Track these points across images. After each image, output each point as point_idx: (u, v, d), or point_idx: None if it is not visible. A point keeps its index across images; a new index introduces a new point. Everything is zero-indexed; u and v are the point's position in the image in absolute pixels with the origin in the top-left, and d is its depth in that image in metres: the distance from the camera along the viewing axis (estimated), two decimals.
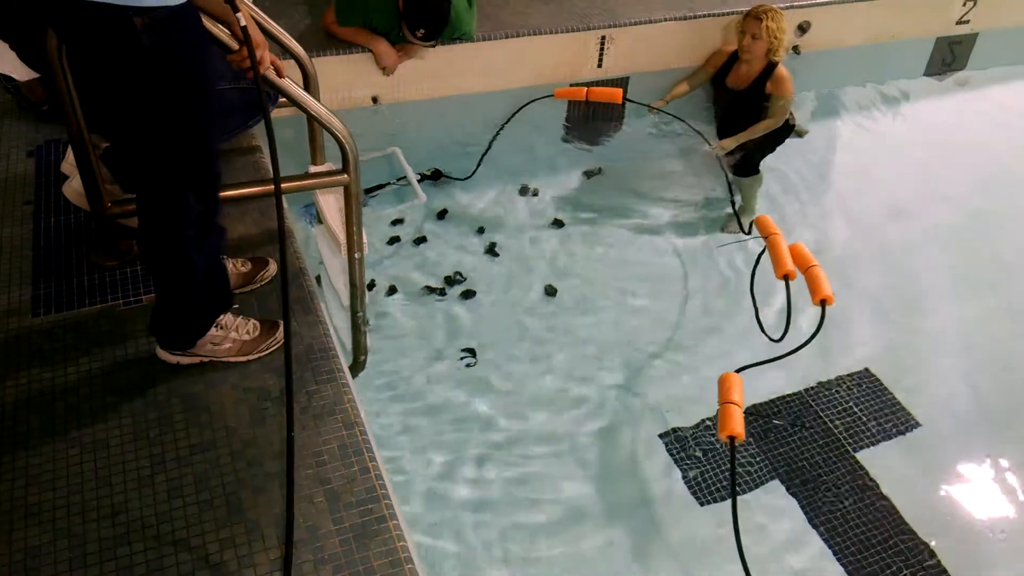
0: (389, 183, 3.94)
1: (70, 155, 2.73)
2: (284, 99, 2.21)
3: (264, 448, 2.06)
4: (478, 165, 4.07)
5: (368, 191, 3.90)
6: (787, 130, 4.16)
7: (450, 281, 3.49)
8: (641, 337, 3.34)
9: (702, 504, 2.75)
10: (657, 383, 3.16)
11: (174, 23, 1.68)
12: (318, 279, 3.03)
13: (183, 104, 1.79)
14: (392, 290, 3.41)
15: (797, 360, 2.91)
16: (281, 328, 2.37)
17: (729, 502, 2.42)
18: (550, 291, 3.49)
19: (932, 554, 2.65)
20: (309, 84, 2.67)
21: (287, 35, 2.55)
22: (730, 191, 4.05)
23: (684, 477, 2.82)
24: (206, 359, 2.24)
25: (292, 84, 2.15)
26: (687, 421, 3.01)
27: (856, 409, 3.13)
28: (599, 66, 4.27)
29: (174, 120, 1.80)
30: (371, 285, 3.40)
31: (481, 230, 3.77)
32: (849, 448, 2.98)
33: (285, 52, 2.58)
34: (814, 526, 2.72)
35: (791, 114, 4.14)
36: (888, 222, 4.13)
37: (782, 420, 3.03)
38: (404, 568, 1.85)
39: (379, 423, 2.86)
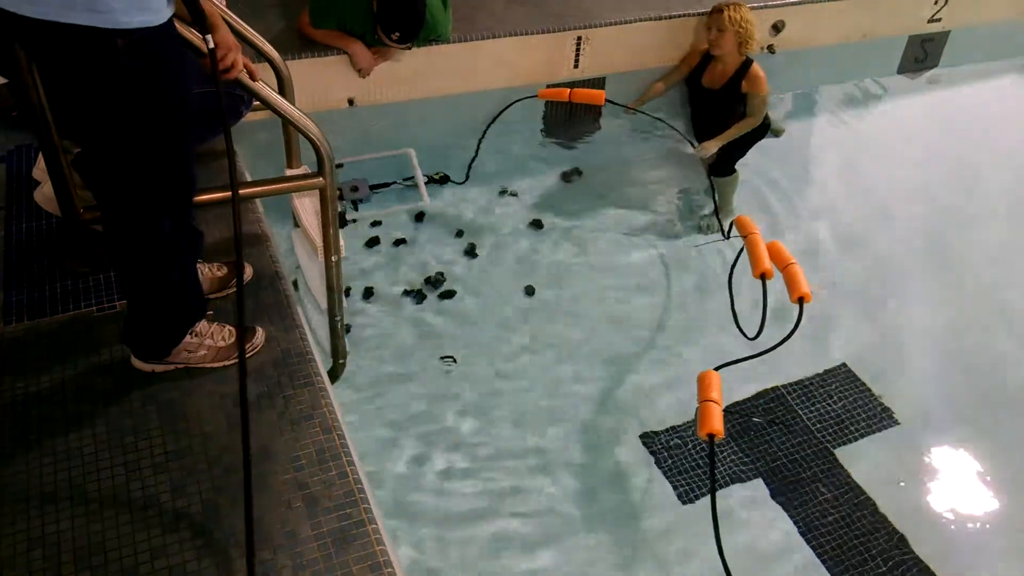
0: (396, 182, 3.96)
1: (41, 161, 2.70)
2: (259, 102, 2.20)
3: (241, 454, 2.04)
4: (469, 168, 4.08)
5: (373, 187, 3.92)
6: (763, 129, 4.19)
7: (430, 283, 3.48)
8: (620, 336, 3.35)
9: (684, 503, 2.76)
10: (636, 382, 3.17)
11: (154, 41, 1.67)
12: (295, 283, 3.02)
13: (160, 120, 1.78)
14: (370, 293, 3.40)
15: (776, 357, 2.93)
16: (259, 333, 2.36)
17: (710, 499, 2.43)
18: (529, 291, 3.50)
19: (910, 549, 2.68)
20: (283, 87, 2.66)
21: (261, 38, 2.54)
22: (713, 191, 4.06)
23: (665, 476, 2.83)
24: (181, 366, 2.22)
25: (266, 87, 2.14)
26: (667, 420, 3.02)
27: (835, 406, 3.15)
28: (575, 67, 4.28)
29: (151, 135, 1.79)
30: (349, 289, 3.38)
31: (460, 232, 3.76)
32: (828, 444, 3.00)
33: (259, 55, 2.57)
34: (794, 522, 2.73)
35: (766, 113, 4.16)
36: (864, 219, 4.17)
37: (761, 418, 3.05)
38: (383, 572, 1.84)
39: (356, 427, 2.84)
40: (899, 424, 3.10)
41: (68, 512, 1.90)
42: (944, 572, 2.63)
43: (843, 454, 2.97)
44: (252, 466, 2.00)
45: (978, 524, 2.82)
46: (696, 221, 4.04)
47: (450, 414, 2.96)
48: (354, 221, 3.77)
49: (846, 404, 3.16)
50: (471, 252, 3.65)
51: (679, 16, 4.34)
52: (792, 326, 2.83)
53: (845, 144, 4.80)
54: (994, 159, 4.77)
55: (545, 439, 2.92)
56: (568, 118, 4.47)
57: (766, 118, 4.16)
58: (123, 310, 2.40)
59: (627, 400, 3.09)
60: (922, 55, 5.41)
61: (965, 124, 5.10)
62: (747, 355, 2.96)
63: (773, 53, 4.70)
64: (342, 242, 2.44)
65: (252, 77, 2.08)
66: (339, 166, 3.92)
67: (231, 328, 2.29)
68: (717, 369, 2.67)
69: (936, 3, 5.16)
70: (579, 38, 4.18)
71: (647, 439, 2.95)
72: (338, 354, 2.70)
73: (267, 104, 2.17)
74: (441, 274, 3.51)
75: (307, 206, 2.71)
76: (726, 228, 3.93)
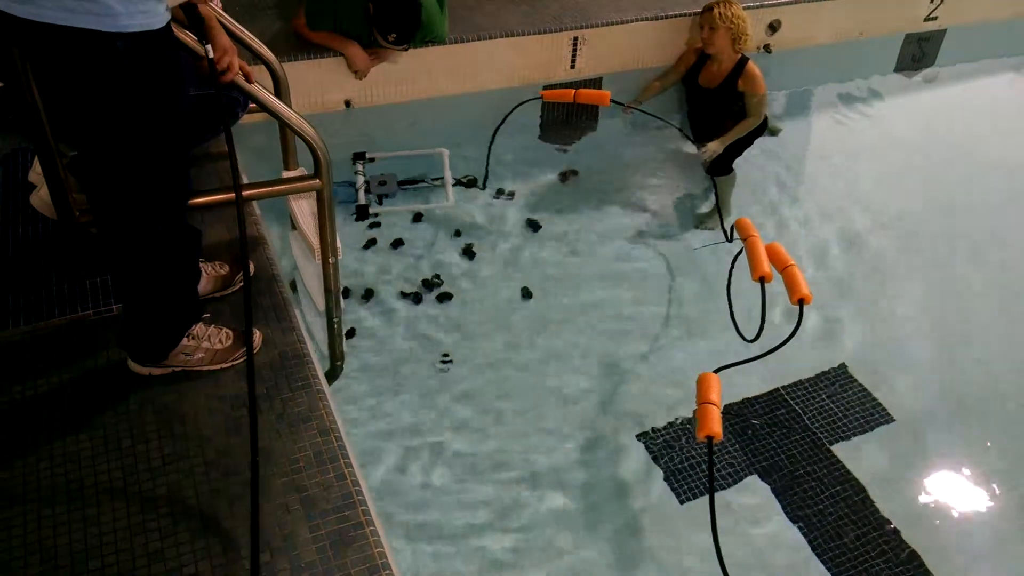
0: (424, 181, 3.97)
1: (37, 164, 2.70)
2: (255, 104, 2.20)
3: (239, 457, 2.04)
4: (486, 175, 4.08)
5: (402, 184, 3.94)
6: (761, 129, 4.19)
7: (427, 284, 3.48)
8: (618, 337, 3.35)
9: (682, 502, 2.76)
10: (634, 383, 3.16)
11: (153, 44, 1.68)
12: (292, 285, 3.02)
13: (157, 122, 1.79)
14: (368, 295, 3.40)
15: (774, 357, 2.93)
16: (257, 335, 2.35)
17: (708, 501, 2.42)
18: (526, 293, 3.49)
19: (907, 545, 2.68)
20: (280, 89, 2.66)
21: (257, 40, 2.54)
22: (715, 189, 4.05)
23: (663, 476, 2.83)
24: (178, 369, 2.22)
25: (262, 90, 2.15)
26: (665, 420, 3.02)
27: (832, 404, 3.15)
28: (572, 67, 4.28)
29: (148, 137, 1.79)
30: (347, 291, 3.38)
31: (458, 233, 3.76)
32: (826, 443, 3.00)
33: (255, 57, 2.57)
34: (792, 520, 2.73)
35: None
36: (861, 219, 4.17)
37: (759, 420, 3.05)
38: (382, 574, 1.84)
39: (354, 430, 2.84)
40: (895, 421, 3.10)
41: (65, 516, 1.90)
42: (941, 569, 2.63)
43: (841, 451, 2.97)
44: (249, 468, 2.00)
45: (975, 521, 2.81)
46: (694, 221, 4.04)
47: (446, 416, 2.96)
48: (375, 215, 3.80)
49: (844, 403, 3.15)
50: (469, 253, 3.65)
51: (676, 16, 4.34)
52: (792, 328, 2.82)
53: (842, 143, 4.80)
54: (991, 157, 4.77)
55: (543, 439, 2.91)
56: (565, 119, 4.47)
57: (764, 117, 4.16)
58: (119, 314, 2.39)
59: (625, 400, 3.09)
60: (919, 54, 5.42)
61: (962, 122, 5.10)
62: (747, 357, 2.95)
63: (770, 52, 4.70)
64: (339, 244, 2.44)
65: (248, 79, 2.08)
66: (371, 160, 3.97)
67: (228, 330, 2.29)
68: (716, 371, 2.67)
69: (932, 2, 5.17)
70: (576, 38, 4.18)
71: (646, 439, 2.95)
72: (335, 356, 2.71)
73: (263, 106, 2.17)
74: (438, 276, 3.51)
75: (304, 208, 2.72)
76: (727, 228, 3.94)
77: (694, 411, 2.52)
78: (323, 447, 2.10)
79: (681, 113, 4.52)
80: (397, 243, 3.66)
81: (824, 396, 3.18)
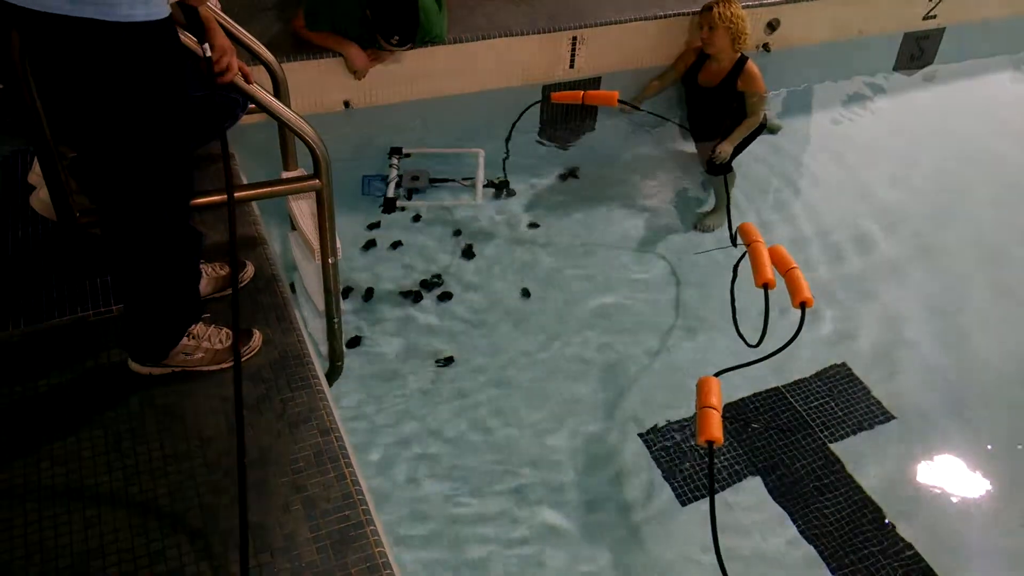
0: (455, 180, 3.99)
1: (37, 165, 2.70)
2: (254, 105, 2.20)
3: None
4: (505, 176, 4.08)
5: (433, 181, 3.97)
6: (760, 127, 4.19)
7: (427, 284, 3.48)
8: (619, 337, 3.35)
9: (683, 504, 2.76)
10: (636, 383, 3.16)
11: (157, 35, 1.68)
12: (292, 286, 3.02)
13: (162, 114, 1.78)
14: (368, 294, 3.40)
15: (776, 356, 2.92)
16: (256, 336, 2.36)
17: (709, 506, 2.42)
18: (525, 294, 3.49)
19: (909, 544, 2.68)
20: (279, 89, 2.66)
21: (256, 41, 2.54)
22: (726, 186, 4.04)
23: (665, 476, 2.83)
24: (178, 369, 2.22)
25: (261, 90, 2.15)
26: (666, 421, 3.02)
27: (833, 403, 3.15)
28: (571, 66, 4.28)
29: (152, 130, 1.79)
30: (347, 291, 3.38)
31: (457, 232, 3.76)
32: (826, 441, 3.00)
33: (254, 58, 2.57)
34: (793, 520, 2.73)
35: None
36: (860, 217, 4.17)
37: (760, 419, 3.04)
38: (383, 574, 1.84)
39: (354, 429, 2.84)
40: (896, 419, 3.10)
41: (66, 517, 1.90)
42: (941, 566, 2.63)
43: (842, 450, 2.97)
44: (250, 469, 2.01)
45: (976, 518, 2.81)
46: (695, 220, 4.04)
47: (446, 415, 2.96)
48: (403, 209, 3.83)
49: (844, 401, 3.15)
50: (468, 253, 3.65)
51: (674, 15, 4.34)
52: (794, 331, 2.82)
53: (840, 141, 4.80)
54: (990, 155, 4.77)
55: (542, 439, 2.91)
56: (564, 119, 4.48)
57: (763, 116, 4.16)
58: (119, 314, 2.40)
59: (626, 400, 3.09)
60: (917, 52, 5.42)
61: (961, 121, 5.10)
62: (747, 361, 2.95)
63: (769, 51, 4.71)
64: (339, 244, 2.44)
65: (247, 80, 2.08)
66: (407, 156, 4.03)
67: (228, 331, 2.29)
68: (717, 375, 2.66)
69: (931, 0, 5.17)
70: (575, 38, 4.18)
71: (647, 439, 2.95)
72: (335, 356, 2.70)
73: (263, 107, 2.17)
74: (438, 276, 3.51)
75: (304, 209, 2.72)
76: (726, 226, 3.94)
77: (695, 414, 2.51)
78: (323, 447, 2.10)
79: (680, 112, 4.52)
80: (397, 243, 3.66)
81: (825, 395, 3.18)
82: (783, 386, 3.19)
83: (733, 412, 3.05)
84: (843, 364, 3.32)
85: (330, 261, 2.43)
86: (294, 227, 2.86)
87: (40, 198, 2.64)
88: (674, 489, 2.79)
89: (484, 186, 3.97)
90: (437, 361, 3.14)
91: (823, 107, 5.08)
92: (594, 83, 4.39)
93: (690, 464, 2.87)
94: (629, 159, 4.40)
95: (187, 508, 1.93)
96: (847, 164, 4.58)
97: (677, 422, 3.02)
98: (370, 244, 3.65)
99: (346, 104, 3.86)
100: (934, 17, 5.27)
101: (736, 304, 3.34)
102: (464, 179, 4.00)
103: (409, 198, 3.90)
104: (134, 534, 1.87)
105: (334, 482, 2.02)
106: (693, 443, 2.92)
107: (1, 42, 1.91)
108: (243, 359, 2.28)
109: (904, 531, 2.72)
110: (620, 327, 3.40)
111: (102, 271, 2.54)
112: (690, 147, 4.44)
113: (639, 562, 2.58)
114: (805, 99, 5.13)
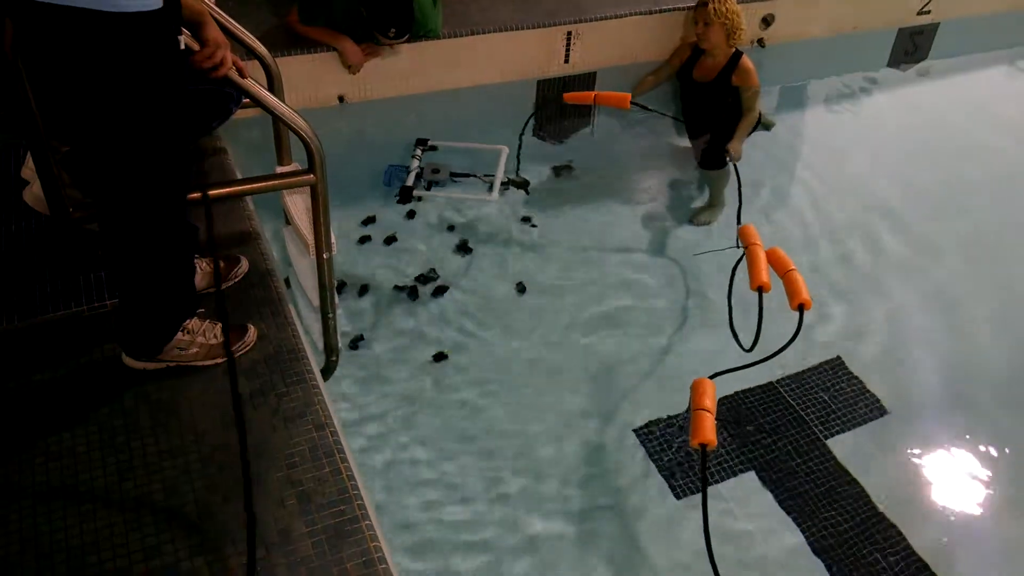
0: (475, 175, 4.00)
1: (30, 160, 2.69)
2: (249, 100, 2.19)
3: (234, 452, 2.03)
4: (518, 174, 4.06)
5: (454, 175, 3.99)
6: (755, 122, 4.20)
7: (422, 279, 3.47)
8: (614, 332, 3.35)
9: (678, 497, 2.77)
10: (631, 378, 3.17)
11: (152, 26, 1.67)
12: (287, 280, 3.01)
13: (158, 105, 1.78)
14: (363, 290, 3.39)
15: (767, 342, 2.92)
16: (251, 331, 2.35)
17: (711, 486, 2.43)
18: (521, 289, 3.49)
19: (902, 537, 2.69)
20: (273, 84, 2.65)
21: (250, 35, 2.53)
22: (738, 185, 4.01)
23: (659, 471, 2.83)
24: (173, 364, 2.22)
25: (256, 84, 2.14)
26: (661, 416, 3.02)
27: (827, 397, 3.16)
28: (566, 61, 4.28)
29: (148, 121, 1.78)
30: (341, 286, 3.38)
31: (451, 228, 3.76)
32: (820, 436, 3.01)
33: (248, 52, 2.56)
34: (787, 514, 2.74)
35: None
36: (854, 212, 4.18)
37: (754, 413, 3.05)
38: (378, 568, 1.84)
39: (348, 424, 2.84)
40: (890, 414, 3.12)
41: (61, 512, 1.89)
42: (935, 560, 2.64)
43: (836, 444, 2.98)
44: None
45: (970, 512, 2.83)
46: (689, 215, 4.04)
47: (442, 409, 2.96)
48: (419, 199, 3.86)
49: (839, 396, 3.16)
50: (464, 248, 3.65)
51: (669, 10, 4.34)
52: (791, 332, 2.81)
53: (835, 137, 4.81)
54: (984, 151, 4.78)
55: (538, 432, 2.92)
56: (559, 115, 4.47)
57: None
58: (113, 309, 2.39)
59: (620, 394, 3.09)
60: (912, 48, 5.43)
61: (955, 116, 5.12)
62: (743, 363, 2.95)
63: (763, 47, 4.71)
64: (334, 239, 2.44)
65: (242, 74, 2.07)
66: (434, 148, 4.06)
67: (222, 325, 2.28)
68: (712, 377, 2.66)
69: None
70: (569, 33, 4.18)
71: (641, 436, 2.95)
72: (330, 351, 2.70)
73: (257, 101, 2.16)
74: (433, 270, 3.51)
75: (298, 203, 2.71)
76: (719, 221, 3.95)
77: (686, 410, 2.51)
78: (318, 442, 2.10)
79: (675, 108, 4.53)
80: (391, 238, 3.66)
81: (819, 389, 3.19)
82: (777, 381, 3.20)
83: (727, 410, 3.06)
84: (837, 358, 3.33)
85: (325, 256, 2.43)
86: (288, 222, 2.86)
87: (33, 192, 2.63)
88: (671, 486, 2.80)
89: (503, 184, 3.97)
90: (433, 357, 3.14)
91: (817, 102, 5.09)
92: (589, 78, 4.39)
93: (685, 457, 2.88)
94: (624, 154, 4.40)
95: (182, 503, 1.93)
96: (840, 159, 4.59)
97: (673, 418, 3.02)
98: (365, 239, 3.64)
99: (340, 99, 3.86)
100: (928, 12, 5.28)
101: (733, 304, 3.34)
102: (485, 175, 4.01)
103: (428, 189, 3.92)
104: (129, 529, 1.87)
105: (329, 477, 2.01)
106: (688, 436, 2.92)
107: None
108: (237, 354, 2.29)
109: (899, 525, 2.73)
110: (616, 322, 3.40)
111: (96, 266, 2.53)
112: (684, 142, 4.44)
113: (634, 553, 2.59)
114: (799, 94, 5.14)
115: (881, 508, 2.78)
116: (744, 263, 3.07)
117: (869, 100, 5.16)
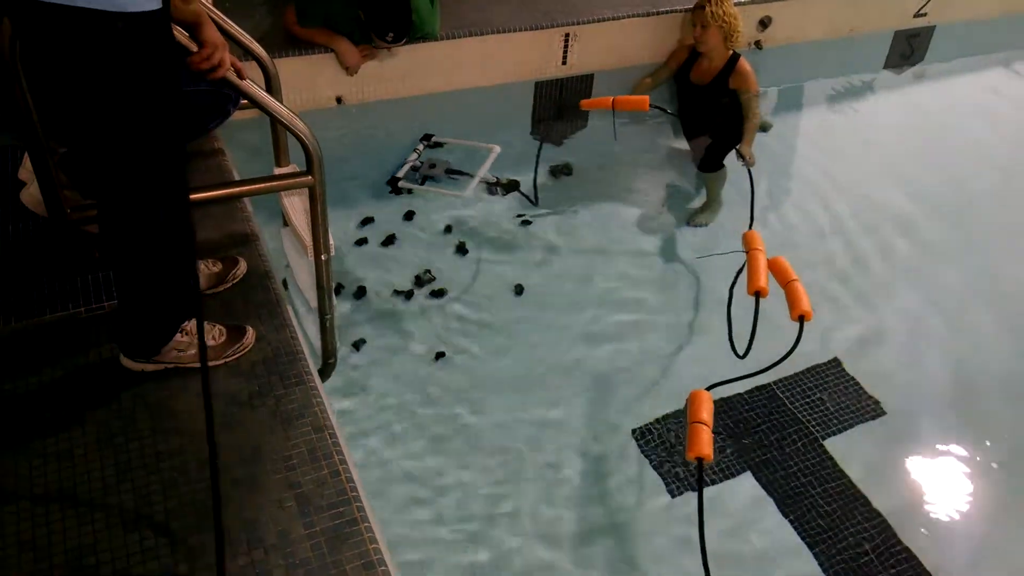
0: (470, 173, 4.01)
1: (27, 161, 2.68)
2: (247, 101, 2.19)
3: (232, 453, 2.04)
4: (536, 191, 4.05)
5: (449, 172, 4.00)
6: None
7: (419, 281, 3.47)
8: (611, 333, 3.35)
9: (673, 496, 2.77)
10: (627, 377, 3.17)
11: (151, 25, 1.67)
12: (284, 282, 3.01)
13: (158, 103, 1.77)
14: (361, 291, 3.39)
15: (767, 355, 2.92)
16: (249, 333, 2.35)
17: (709, 488, 2.43)
18: (518, 290, 3.49)
19: (899, 539, 2.69)
20: (271, 85, 2.65)
21: (248, 36, 2.54)
22: (751, 190, 3.98)
23: (654, 468, 2.84)
24: (171, 366, 2.21)
25: (254, 86, 2.14)
26: (657, 416, 3.03)
27: (824, 399, 3.16)
28: (564, 63, 4.29)
29: (149, 120, 1.78)
30: (338, 287, 3.37)
31: (449, 229, 3.76)
32: (818, 437, 3.01)
33: (246, 53, 2.56)
34: (785, 515, 2.75)
35: None
36: (851, 212, 4.19)
37: (751, 414, 3.04)
38: (377, 571, 1.84)
39: (346, 426, 2.84)
40: (887, 415, 3.12)
41: (59, 514, 1.89)
42: (931, 560, 2.64)
43: (833, 446, 2.98)
44: (243, 465, 2.01)
45: (967, 513, 2.83)
46: (687, 217, 4.04)
47: (439, 411, 2.96)
48: (410, 191, 3.89)
49: (836, 397, 3.17)
50: (461, 250, 3.65)
51: (667, 12, 4.35)
52: (788, 340, 2.81)
53: (831, 138, 4.82)
54: (980, 153, 4.80)
55: (534, 433, 2.92)
56: (557, 116, 4.47)
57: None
58: (112, 310, 2.38)
59: (617, 394, 3.09)
60: (908, 50, 5.44)
61: (951, 119, 5.13)
62: (740, 375, 2.95)
63: (760, 49, 4.72)
64: (331, 240, 2.44)
65: (240, 75, 2.07)
66: (440, 145, 4.08)
67: (221, 327, 2.28)
68: (709, 388, 2.65)
69: None
70: (567, 35, 4.19)
71: (638, 438, 2.95)
72: (328, 353, 2.70)
73: (255, 103, 2.16)
74: (429, 271, 3.51)
75: (296, 204, 2.71)
76: (716, 223, 3.95)
77: (680, 411, 2.50)
78: (317, 444, 2.09)
79: (672, 110, 4.53)
80: (389, 239, 3.65)
81: (816, 390, 3.19)
82: (774, 383, 3.20)
83: (724, 412, 3.05)
84: (834, 359, 3.33)
85: (323, 257, 2.43)
86: (286, 223, 2.86)
87: (30, 194, 2.63)
88: (665, 481, 2.80)
89: (491, 184, 3.98)
90: (431, 358, 3.14)
91: (814, 105, 5.10)
92: (587, 80, 4.39)
93: (681, 463, 2.88)
94: (621, 156, 4.41)
95: (180, 505, 1.93)
96: (836, 161, 4.60)
97: (670, 418, 3.02)
98: (362, 241, 3.64)
99: (338, 100, 3.86)
100: (925, 15, 5.29)
101: (732, 309, 3.33)
102: (469, 177, 4.01)
103: (422, 183, 3.92)
104: (127, 531, 1.86)
105: (328, 479, 2.01)
106: (684, 436, 2.92)
107: None
108: (235, 356, 2.28)
109: (895, 526, 2.73)
110: (614, 324, 3.40)
111: (94, 267, 2.53)
112: (682, 143, 4.44)
113: (630, 552, 2.59)
114: (796, 97, 5.15)
115: (878, 509, 2.78)
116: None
117: (866, 103, 5.17)
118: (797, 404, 3.13)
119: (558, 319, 3.39)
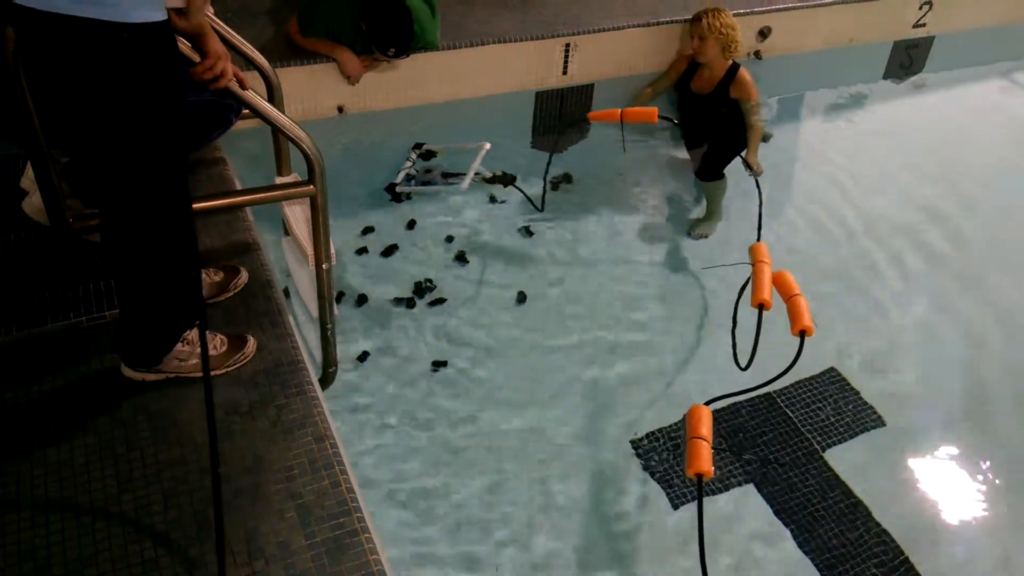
0: (465, 174, 4.00)
1: (29, 170, 2.69)
2: (248, 110, 2.19)
3: (233, 463, 2.04)
4: (543, 198, 4.08)
5: (445, 175, 4.03)
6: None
7: (420, 290, 3.47)
8: (613, 343, 3.35)
9: (674, 507, 2.76)
10: (628, 387, 3.17)
11: (155, 36, 1.67)
12: (286, 291, 3.01)
13: (161, 112, 1.78)
14: (361, 300, 3.39)
15: (766, 364, 2.92)
16: (250, 342, 2.34)
17: (710, 499, 2.43)
18: (520, 299, 3.49)
19: (901, 550, 2.69)
20: (273, 95, 2.66)
21: (250, 46, 2.54)
22: (759, 201, 3.97)
23: (656, 480, 2.83)
24: (172, 375, 2.21)
25: (255, 95, 2.14)
26: (658, 426, 3.02)
27: (824, 408, 3.16)
28: (564, 73, 4.29)
29: (151, 128, 1.79)
30: (339, 296, 3.37)
31: (450, 238, 3.76)
32: (817, 447, 3.01)
33: (248, 63, 2.57)
34: (785, 526, 2.74)
35: None
36: (851, 222, 4.20)
37: (751, 424, 3.04)
38: None
39: (347, 436, 2.83)
40: (886, 426, 3.12)
41: (59, 524, 1.88)
42: (933, 571, 2.64)
43: (832, 456, 2.98)
44: (244, 476, 2.01)
45: (967, 524, 2.83)
46: (688, 227, 4.04)
47: (438, 420, 2.96)
48: (409, 197, 3.95)
49: (835, 407, 3.17)
50: (462, 259, 3.65)
51: (667, 23, 4.36)
52: (793, 358, 2.80)
53: (831, 148, 4.83)
54: (979, 163, 4.81)
55: (535, 442, 2.91)
56: (557, 126, 4.48)
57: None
58: (113, 320, 2.38)
59: (619, 404, 3.09)
60: (907, 61, 5.46)
61: (950, 128, 5.15)
62: (738, 390, 2.95)
63: (760, 59, 4.73)
64: (332, 250, 2.44)
65: (242, 85, 2.07)
66: (432, 154, 4.10)
67: (223, 336, 2.28)
68: (708, 403, 2.64)
69: (921, 9, 5.21)
70: (568, 45, 4.20)
71: (638, 445, 2.95)
72: (329, 362, 2.70)
73: (257, 112, 2.16)
74: (429, 280, 3.51)
75: (298, 214, 2.71)
76: (717, 233, 3.96)
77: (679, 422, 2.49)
78: (318, 454, 2.09)
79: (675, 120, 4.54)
80: (390, 249, 3.66)
81: (816, 400, 3.19)
82: (774, 392, 3.20)
83: (724, 422, 3.05)
84: (832, 369, 3.33)
85: (324, 267, 2.42)
86: (288, 232, 2.86)
87: (33, 203, 2.63)
88: (666, 492, 2.80)
89: (488, 179, 3.99)
90: (430, 367, 3.14)
91: (813, 115, 5.12)
92: (587, 90, 4.40)
93: (682, 467, 2.87)
94: (622, 166, 4.41)
95: (181, 515, 1.92)
96: (836, 171, 4.61)
97: (670, 428, 3.02)
98: (362, 250, 3.64)
99: (340, 109, 3.86)
100: (923, 26, 5.31)
101: (737, 320, 3.33)
102: (475, 175, 4.02)
103: (423, 185, 3.96)
104: (127, 541, 1.86)
105: (329, 489, 2.01)
106: (684, 445, 2.92)
107: None
108: (237, 366, 2.28)
109: (896, 537, 2.73)
110: (615, 334, 3.40)
111: (95, 276, 2.53)
112: (682, 153, 4.45)
113: (631, 565, 2.58)
114: (795, 107, 5.16)
115: (879, 519, 2.78)
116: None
117: (865, 112, 5.18)
118: (797, 414, 3.13)
119: (559, 329, 3.39)
